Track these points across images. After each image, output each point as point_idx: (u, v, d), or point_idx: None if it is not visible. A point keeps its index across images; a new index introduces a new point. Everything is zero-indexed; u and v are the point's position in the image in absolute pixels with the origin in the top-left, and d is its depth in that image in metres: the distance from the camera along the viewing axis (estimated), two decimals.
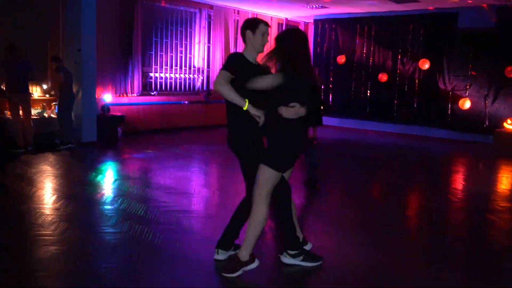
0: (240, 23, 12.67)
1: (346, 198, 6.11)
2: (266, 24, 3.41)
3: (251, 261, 3.39)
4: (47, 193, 5.41)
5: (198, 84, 12.18)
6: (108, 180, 6.30)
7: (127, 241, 4.01)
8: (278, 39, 3.35)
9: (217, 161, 8.21)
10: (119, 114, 9.55)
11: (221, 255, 3.61)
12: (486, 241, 4.59)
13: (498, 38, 10.60)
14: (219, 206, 5.31)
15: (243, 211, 3.57)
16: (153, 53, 10.95)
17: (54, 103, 8.99)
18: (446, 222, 5.21)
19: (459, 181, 7.58)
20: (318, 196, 6.10)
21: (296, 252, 3.54)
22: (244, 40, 3.44)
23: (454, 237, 4.66)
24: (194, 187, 6.15)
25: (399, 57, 12.19)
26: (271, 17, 13.34)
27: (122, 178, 6.40)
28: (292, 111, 3.21)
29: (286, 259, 3.57)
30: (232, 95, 3.19)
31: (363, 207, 5.61)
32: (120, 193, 5.55)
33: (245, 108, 3.19)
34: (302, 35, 3.35)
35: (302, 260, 3.55)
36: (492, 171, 8.47)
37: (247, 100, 3.19)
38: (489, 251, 4.32)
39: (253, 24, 3.39)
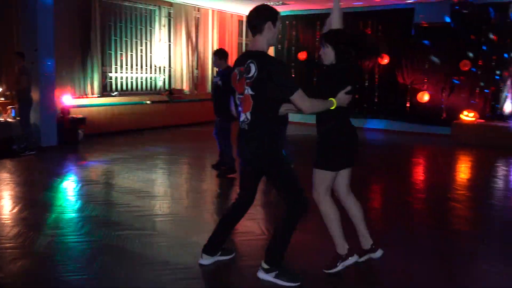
0: (202, 21, 12.59)
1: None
2: None
3: (350, 255, 3.43)
4: (10, 203, 5.17)
5: (160, 83, 11.97)
6: (74, 185, 6.09)
7: (104, 248, 3.89)
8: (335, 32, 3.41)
9: (184, 161, 8.10)
10: (79, 116, 9.26)
11: (206, 260, 3.54)
12: (449, 229, 4.75)
13: (453, 32, 10.97)
14: (193, 208, 5.23)
15: (235, 216, 3.49)
16: (113, 52, 10.67)
17: (10, 106, 8.60)
18: (410, 212, 5.35)
19: (420, 172, 7.83)
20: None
21: (268, 267, 3.24)
22: (258, 31, 3.06)
23: (419, 225, 4.81)
24: (165, 189, 6.05)
25: None
26: (231, 14, 13.29)
27: (89, 183, 6.19)
28: (349, 97, 3.23)
29: (260, 273, 3.29)
30: (320, 106, 3.17)
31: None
32: (90, 199, 5.37)
33: (333, 107, 3.18)
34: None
35: (276, 277, 3.23)
36: (451, 162, 8.78)
37: (333, 100, 3.19)
38: (451, 238, 4.47)
39: (275, 15, 3.07)
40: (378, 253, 3.61)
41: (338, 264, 3.40)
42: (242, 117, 3.09)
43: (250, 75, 2.98)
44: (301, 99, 3.00)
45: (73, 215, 4.79)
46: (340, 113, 3.28)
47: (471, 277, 3.58)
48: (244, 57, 3.09)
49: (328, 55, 3.31)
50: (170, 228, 4.48)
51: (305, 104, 3.01)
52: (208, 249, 3.53)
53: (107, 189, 5.97)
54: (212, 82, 9.85)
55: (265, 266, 3.25)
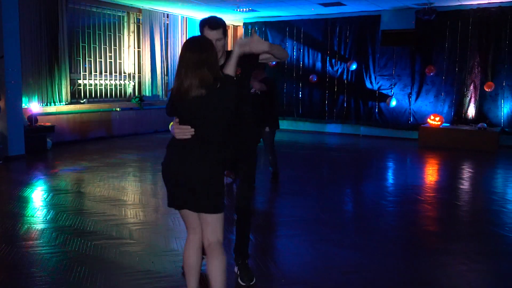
0: (170, 27, 12.52)
1: (286, 197, 6.16)
2: None
3: None
4: None
5: (129, 90, 11.82)
6: (45, 195, 5.93)
7: (81, 259, 3.80)
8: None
9: (157, 168, 8.00)
10: (47, 124, 9.05)
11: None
12: (419, 229, 4.90)
13: (418, 38, 11.30)
14: (169, 215, 5.17)
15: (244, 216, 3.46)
16: (81, 59, 10.48)
17: None
18: (381, 214, 5.47)
19: (391, 175, 7.99)
20: (258, 196, 6.16)
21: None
22: (222, 45, 2.99)
23: (391, 226, 4.94)
24: (140, 196, 5.96)
25: (328, 58, 12.60)
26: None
27: (60, 192, 6.05)
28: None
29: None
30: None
31: (300, 205, 5.73)
32: (62, 208, 5.25)
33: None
34: None
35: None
36: (420, 165, 9.02)
37: None
38: (421, 238, 4.61)
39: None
40: None
41: None
42: None
43: None
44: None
45: (46, 225, 4.66)
46: None
47: (437, 273, 3.69)
48: None
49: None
50: (148, 236, 4.42)
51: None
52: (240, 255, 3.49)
53: (80, 198, 5.84)
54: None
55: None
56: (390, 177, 7.84)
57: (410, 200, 6.04)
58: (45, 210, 5.23)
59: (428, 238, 4.64)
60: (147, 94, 11.95)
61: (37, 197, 5.86)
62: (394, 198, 6.22)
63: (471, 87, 10.84)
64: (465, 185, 7.15)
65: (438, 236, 4.72)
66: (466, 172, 8.17)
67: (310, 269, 3.73)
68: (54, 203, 5.49)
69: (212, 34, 2.88)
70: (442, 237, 4.67)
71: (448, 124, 10.90)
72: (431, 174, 8.26)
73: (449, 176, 7.96)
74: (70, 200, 5.68)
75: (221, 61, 2.96)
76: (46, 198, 5.76)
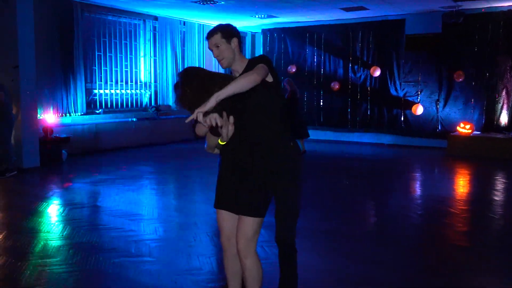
0: (188, 35, 12.53)
1: (307, 208, 6.02)
2: None
3: None
4: None
5: (146, 100, 11.83)
6: (61, 209, 5.88)
7: (100, 278, 3.72)
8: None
9: (173, 180, 7.96)
10: (63, 135, 9.07)
11: None
12: (447, 244, 4.74)
13: (445, 43, 11.09)
14: (190, 230, 5.07)
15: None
16: (96, 68, 10.52)
17: None
18: (405, 226, 5.32)
19: (418, 186, 7.79)
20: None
21: None
22: (226, 48, 2.82)
23: (415, 240, 4.81)
24: (158, 211, 5.88)
25: (350, 65, 12.46)
26: None
27: (76, 206, 6.00)
28: None
29: None
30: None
31: (325, 216, 5.59)
32: (79, 223, 5.19)
33: None
34: None
35: None
36: (449, 176, 8.78)
37: None
38: (450, 253, 4.45)
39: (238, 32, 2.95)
40: None
41: None
42: None
43: None
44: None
45: (63, 242, 4.60)
46: None
47: None
48: None
49: None
50: (169, 253, 4.33)
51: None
52: None
53: (97, 212, 5.79)
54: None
55: None
56: (417, 188, 7.64)
57: (438, 213, 5.88)
58: (61, 225, 5.17)
59: (456, 254, 4.46)
60: (164, 104, 11.94)
61: (53, 211, 5.82)
62: (420, 210, 6.06)
63: (503, 93, 10.59)
64: (499, 196, 6.92)
65: (467, 252, 4.55)
66: (500, 183, 7.92)
67: (326, 279, 3.63)
68: (70, 218, 5.43)
69: (210, 43, 2.83)
70: (472, 253, 4.50)
71: (479, 132, 10.64)
72: (461, 185, 8.03)
73: (481, 187, 7.72)
74: (86, 215, 5.63)
75: (236, 66, 2.85)
76: (62, 212, 5.71)
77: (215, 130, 2.69)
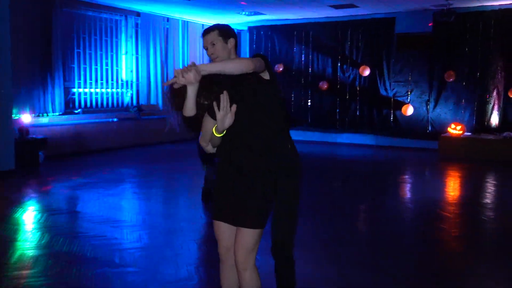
0: (171, 32, 12.28)
1: (300, 213, 5.88)
2: None
3: None
4: None
5: (127, 99, 11.56)
6: (37, 216, 5.61)
7: None
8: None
9: (157, 184, 7.73)
10: (40, 136, 8.77)
11: None
12: (440, 248, 4.71)
13: (435, 42, 11.05)
14: (177, 237, 4.86)
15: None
16: (76, 66, 10.22)
17: None
18: (399, 232, 5.25)
19: (410, 189, 7.71)
20: None
21: None
22: (221, 48, 2.71)
23: (409, 245, 4.74)
24: (143, 216, 5.65)
25: (339, 64, 12.36)
26: (202, 25, 13.04)
27: (55, 212, 5.73)
28: None
29: None
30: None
31: (319, 222, 5.43)
32: (58, 231, 4.94)
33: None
34: None
35: None
36: (441, 177, 8.71)
37: None
38: (443, 258, 4.41)
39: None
40: None
41: None
42: None
43: None
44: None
45: (41, 251, 4.34)
46: None
47: None
48: None
49: None
50: (155, 262, 4.12)
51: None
52: None
53: (77, 219, 5.54)
54: None
55: None
56: (409, 192, 7.55)
57: (431, 217, 5.81)
58: (38, 233, 4.91)
59: (451, 259, 4.44)
60: (146, 103, 11.68)
61: (29, 218, 5.55)
62: (413, 214, 6.02)
63: (494, 93, 10.59)
64: (491, 199, 6.88)
65: (462, 256, 4.53)
66: (492, 185, 7.89)
67: None
68: (48, 225, 5.17)
69: (205, 40, 2.72)
70: (466, 257, 4.46)
71: (470, 133, 10.62)
72: (454, 187, 7.97)
73: (474, 190, 7.66)
74: (66, 222, 5.39)
75: None
76: (39, 219, 5.44)
77: (211, 110, 2.50)
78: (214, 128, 2.55)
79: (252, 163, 2.61)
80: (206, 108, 2.51)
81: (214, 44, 2.69)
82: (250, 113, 2.61)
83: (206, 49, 2.73)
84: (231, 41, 2.73)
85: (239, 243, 2.60)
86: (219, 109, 2.45)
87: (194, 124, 2.64)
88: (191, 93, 2.42)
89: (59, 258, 4.16)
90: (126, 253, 4.29)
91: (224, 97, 2.44)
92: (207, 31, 2.73)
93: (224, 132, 2.56)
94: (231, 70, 2.41)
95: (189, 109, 2.48)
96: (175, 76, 2.33)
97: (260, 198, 2.60)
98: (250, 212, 2.58)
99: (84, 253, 4.29)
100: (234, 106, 2.47)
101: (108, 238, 4.72)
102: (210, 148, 2.72)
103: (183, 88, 2.41)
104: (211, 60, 2.73)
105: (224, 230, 2.70)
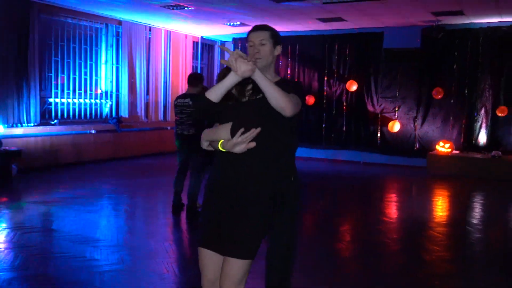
0: (153, 41, 12.16)
1: None
2: None
3: None
4: None
5: (106, 110, 11.35)
6: (10, 234, 5.37)
7: None
8: None
9: (137, 200, 7.55)
10: (13, 148, 8.51)
11: None
12: (429, 269, 4.62)
13: (424, 58, 11.15)
14: (163, 258, 4.69)
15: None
16: (53, 75, 10.01)
17: None
18: (383, 253, 5.14)
19: (396, 208, 7.67)
20: None
21: None
22: (269, 51, 2.62)
23: (394, 267, 4.63)
24: (123, 236, 5.48)
25: (326, 78, 12.37)
26: (186, 35, 12.96)
27: (28, 230, 5.51)
28: None
29: None
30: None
31: (306, 244, 5.33)
32: (31, 251, 4.73)
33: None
34: None
35: None
36: (429, 196, 8.70)
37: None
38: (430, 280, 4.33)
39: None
40: None
41: None
42: None
43: None
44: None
45: (14, 274, 4.13)
46: None
47: None
48: None
49: None
50: (145, 286, 3.95)
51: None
52: None
53: (53, 237, 5.33)
54: None
55: None
56: (396, 211, 7.50)
57: (417, 237, 5.79)
58: (11, 253, 4.69)
59: (440, 280, 4.39)
60: (126, 115, 11.49)
61: (0, 236, 5.31)
62: (398, 235, 5.97)
63: (482, 112, 10.70)
64: (480, 219, 6.87)
65: (451, 277, 4.49)
66: (480, 204, 7.94)
67: None
68: (21, 245, 4.96)
69: (255, 36, 2.63)
70: (455, 278, 4.45)
71: (457, 152, 10.69)
72: (442, 206, 7.96)
73: (462, 209, 7.67)
74: (41, 241, 5.17)
75: (267, 74, 2.55)
76: (12, 238, 5.21)
77: (235, 127, 2.47)
78: (221, 142, 2.45)
79: (254, 177, 2.48)
80: (232, 100, 2.51)
81: (263, 44, 2.61)
82: (263, 124, 2.47)
83: (251, 46, 2.62)
84: (278, 49, 2.68)
85: (226, 275, 2.44)
86: (241, 133, 2.40)
87: (207, 114, 2.57)
88: (229, 81, 2.38)
89: (35, 281, 3.97)
90: (107, 276, 4.12)
91: (252, 132, 2.39)
92: (260, 27, 2.66)
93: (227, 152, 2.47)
94: (274, 99, 2.36)
95: (217, 94, 2.42)
96: (233, 57, 2.30)
97: (255, 226, 2.46)
98: (242, 240, 2.43)
99: (61, 276, 4.10)
100: (259, 129, 2.41)
101: (88, 259, 4.54)
102: (207, 145, 2.62)
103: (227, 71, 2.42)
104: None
105: (209, 261, 2.54)
